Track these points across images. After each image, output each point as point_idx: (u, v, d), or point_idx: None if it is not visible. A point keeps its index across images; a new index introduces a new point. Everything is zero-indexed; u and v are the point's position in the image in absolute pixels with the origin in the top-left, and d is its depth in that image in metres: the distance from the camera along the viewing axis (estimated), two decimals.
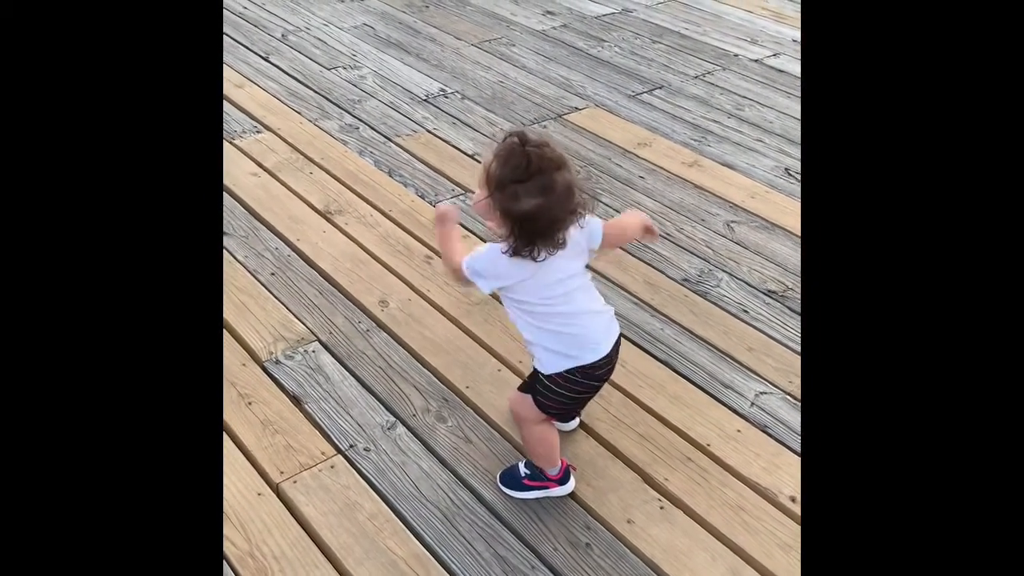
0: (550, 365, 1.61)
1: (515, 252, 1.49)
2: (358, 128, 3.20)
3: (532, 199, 1.43)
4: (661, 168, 3.01)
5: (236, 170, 2.89)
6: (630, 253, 2.56)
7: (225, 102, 3.33)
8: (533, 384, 1.69)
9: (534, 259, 1.48)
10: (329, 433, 1.92)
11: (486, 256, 1.55)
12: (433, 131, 3.19)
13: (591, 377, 1.62)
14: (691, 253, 2.58)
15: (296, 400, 2.01)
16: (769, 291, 2.43)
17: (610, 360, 1.63)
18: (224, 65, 3.61)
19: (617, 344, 1.64)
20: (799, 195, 2.88)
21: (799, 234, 2.67)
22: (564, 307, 1.57)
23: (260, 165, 2.93)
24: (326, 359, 2.13)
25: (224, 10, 3.98)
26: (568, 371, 1.60)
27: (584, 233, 1.58)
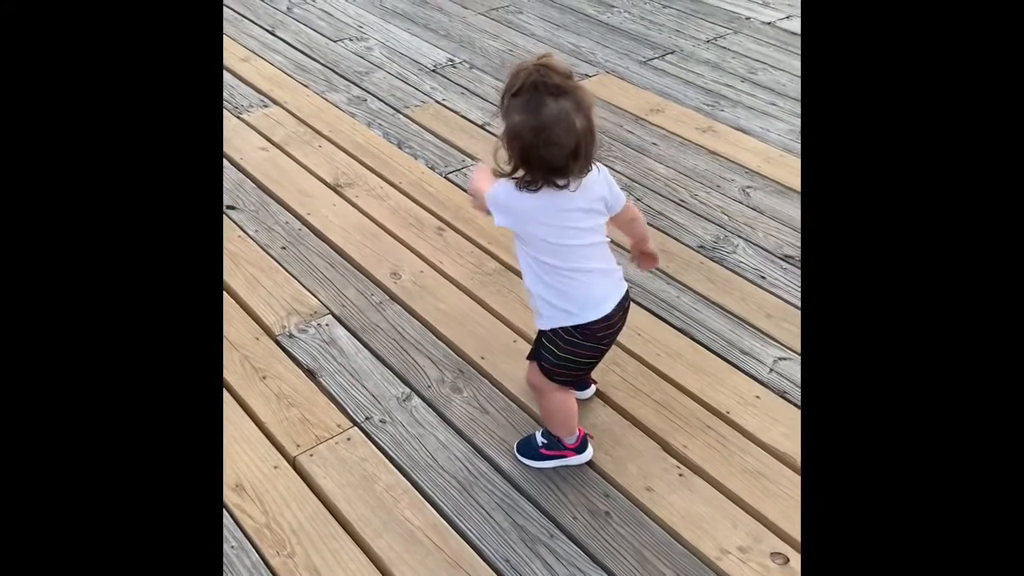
0: (549, 320, 1.59)
1: (516, 182, 1.49)
2: (366, 100, 3.16)
3: (517, 114, 1.43)
4: (674, 134, 2.97)
5: (244, 144, 2.86)
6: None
7: (231, 76, 3.29)
8: (538, 349, 1.67)
9: (527, 186, 1.48)
10: (344, 406, 1.91)
11: (501, 186, 1.54)
12: (442, 102, 3.15)
13: (592, 339, 1.59)
14: (706, 219, 2.54)
15: (311, 373, 2.00)
16: (786, 256, 2.39)
17: (613, 321, 1.60)
18: (230, 39, 3.58)
19: (623, 307, 1.62)
20: None
21: None
22: (573, 263, 1.55)
23: (268, 139, 2.90)
24: (340, 332, 2.12)
25: None
26: (567, 328, 1.58)
27: (608, 191, 1.57)
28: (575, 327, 1.58)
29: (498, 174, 1.52)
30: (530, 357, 1.72)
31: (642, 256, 1.81)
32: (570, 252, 1.54)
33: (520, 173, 1.49)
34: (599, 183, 1.55)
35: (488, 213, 1.58)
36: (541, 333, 1.65)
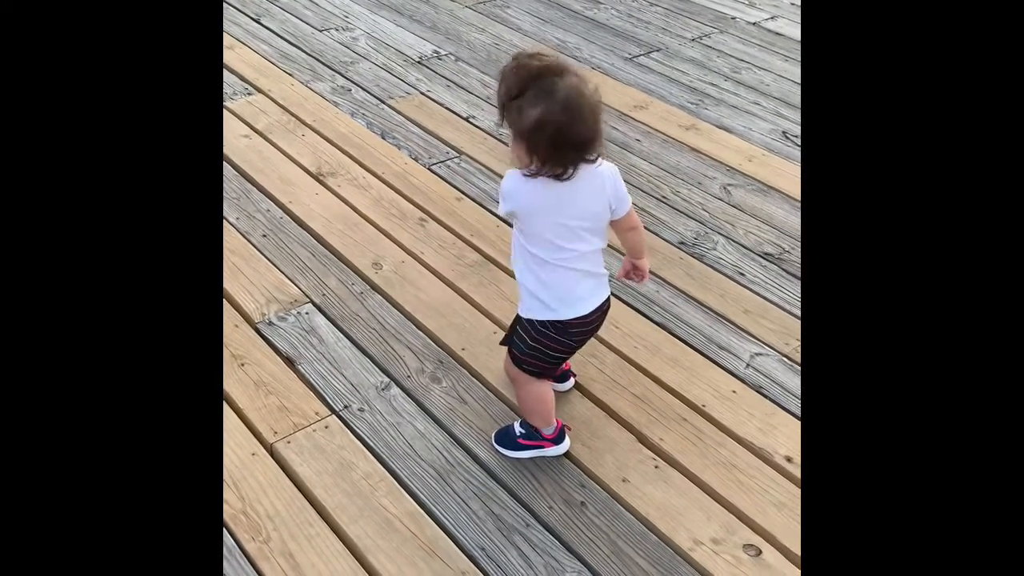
0: (528, 309, 1.61)
1: (536, 172, 1.47)
2: (351, 90, 3.15)
3: (534, 107, 1.40)
4: (658, 131, 2.98)
5: (227, 132, 2.85)
6: None
7: None
8: (512, 335, 1.68)
9: (557, 177, 1.46)
10: (323, 394, 1.91)
11: (509, 177, 1.52)
12: (427, 93, 3.15)
13: (563, 334, 1.61)
14: (687, 216, 2.56)
15: (289, 361, 2.00)
16: (765, 254, 2.41)
17: (589, 321, 1.61)
18: None
19: (602, 309, 1.63)
20: (796, 158, 2.86)
21: (796, 197, 2.65)
22: (566, 262, 1.55)
23: (251, 127, 2.89)
24: (320, 321, 2.12)
25: None
26: (543, 321, 1.59)
27: (614, 189, 1.56)
28: (551, 321, 1.59)
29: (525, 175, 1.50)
30: (504, 342, 1.73)
31: (633, 270, 1.76)
32: (566, 253, 1.54)
33: (546, 168, 1.46)
34: (608, 177, 1.54)
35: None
36: (518, 319, 1.66)
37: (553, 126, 1.41)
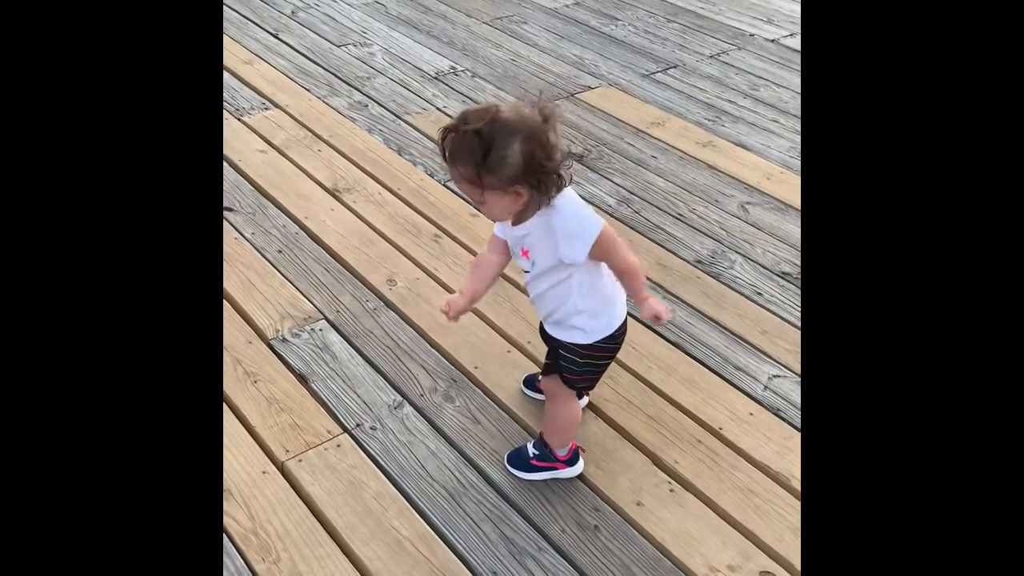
0: (594, 332, 1.58)
1: (538, 201, 1.46)
2: (367, 106, 3.16)
3: (512, 147, 1.37)
4: (675, 148, 2.96)
5: (243, 147, 2.86)
6: (641, 234, 2.52)
7: (233, 79, 3.29)
8: (557, 362, 1.66)
9: (559, 189, 1.45)
10: (335, 412, 1.90)
11: (570, 200, 1.48)
12: (443, 109, 3.15)
13: (614, 340, 1.62)
14: (704, 234, 2.54)
15: (302, 378, 1.99)
16: (783, 273, 2.38)
17: (625, 322, 1.64)
18: (233, 41, 3.58)
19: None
20: None
21: None
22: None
23: (268, 142, 2.90)
24: (333, 338, 2.11)
25: None
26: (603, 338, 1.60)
27: None
28: (607, 336, 1.59)
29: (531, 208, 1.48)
30: (547, 372, 1.72)
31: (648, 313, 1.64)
32: None
33: (546, 191, 1.44)
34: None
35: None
36: (560, 346, 1.63)
37: (536, 147, 1.39)
